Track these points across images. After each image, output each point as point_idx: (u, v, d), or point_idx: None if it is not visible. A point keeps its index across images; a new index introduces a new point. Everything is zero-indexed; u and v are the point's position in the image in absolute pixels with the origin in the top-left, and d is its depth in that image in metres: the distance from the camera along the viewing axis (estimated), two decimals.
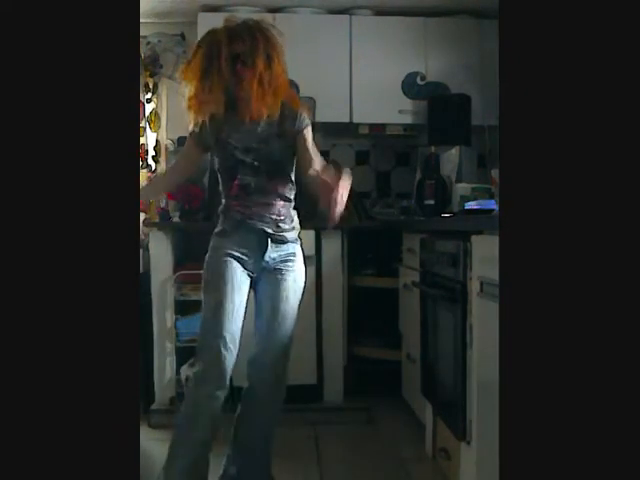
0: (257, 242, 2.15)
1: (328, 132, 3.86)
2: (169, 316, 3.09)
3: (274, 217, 2.16)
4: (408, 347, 3.01)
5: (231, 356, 2.09)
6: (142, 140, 3.81)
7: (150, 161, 3.83)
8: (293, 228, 2.21)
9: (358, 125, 3.75)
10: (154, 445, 2.70)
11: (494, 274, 1.62)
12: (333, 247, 3.21)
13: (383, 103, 3.66)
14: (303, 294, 2.23)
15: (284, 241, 2.17)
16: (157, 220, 3.38)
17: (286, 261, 2.18)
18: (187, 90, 2.11)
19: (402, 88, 3.70)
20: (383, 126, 3.78)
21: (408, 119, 3.72)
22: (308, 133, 2.18)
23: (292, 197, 2.22)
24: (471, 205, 2.59)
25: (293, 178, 2.21)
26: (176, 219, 3.36)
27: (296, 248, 2.21)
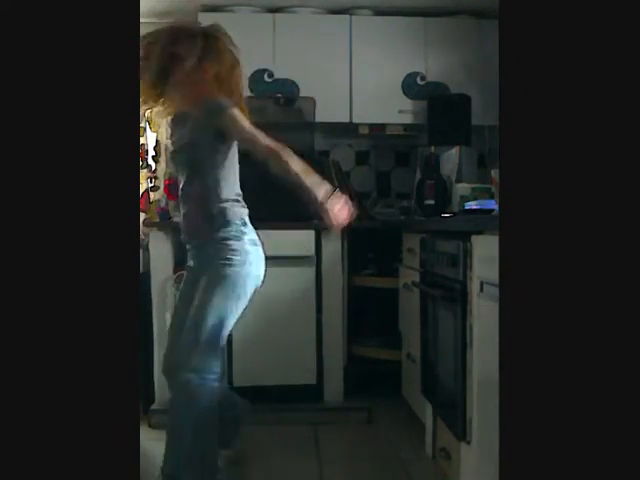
0: (188, 255, 2.24)
1: (328, 132, 3.87)
2: (169, 316, 3.08)
3: (195, 224, 2.16)
4: (408, 347, 3.01)
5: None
6: (142, 140, 3.81)
7: (150, 161, 3.83)
8: (216, 228, 2.11)
9: (358, 125, 3.76)
10: (154, 445, 2.69)
11: (494, 274, 1.62)
12: (333, 247, 3.21)
13: (383, 103, 3.67)
14: (240, 296, 2.11)
15: (207, 247, 2.13)
16: (157, 220, 3.38)
17: (213, 261, 2.10)
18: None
19: (402, 88, 3.71)
20: (383, 126, 3.78)
21: (408, 119, 3.72)
22: (233, 112, 2.04)
23: (218, 193, 2.12)
24: (471, 205, 2.59)
25: (220, 176, 2.13)
26: (176, 219, 3.35)
27: (225, 249, 2.10)
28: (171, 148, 2.27)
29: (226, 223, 2.12)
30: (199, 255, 2.19)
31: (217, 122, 2.06)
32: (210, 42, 2.12)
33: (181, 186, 2.21)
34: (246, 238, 2.13)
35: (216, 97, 2.09)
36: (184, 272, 2.33)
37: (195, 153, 2.12)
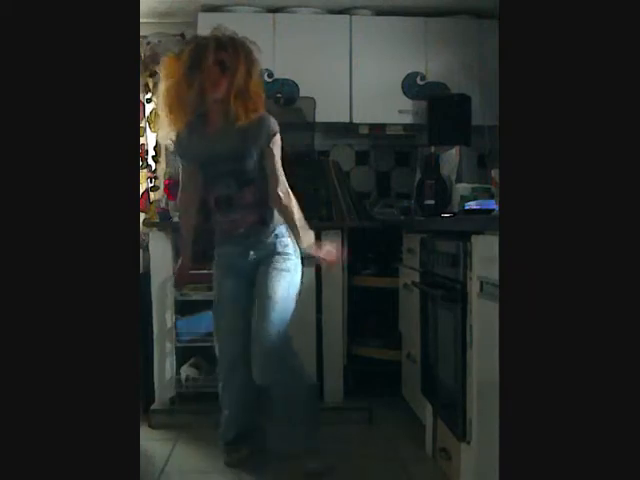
0: (241, 249, 2.35)
1: (328, 132, 3.87)
2: (169, 316, 3.09)
3: (251, 226, 2.32)
4: (408, 347, 3.01)
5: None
6: (142, 140, 3.81)
7: (150, 161, 3.83)
8: (271, 227, 2.33)
9: (358, 125, 3.75)
10: (154, 445, 2.70)
11: (494, 274, 1.62)
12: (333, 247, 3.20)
13: (383, 103, 3.66)
14: (298, 285, 2.36)
15: (265, 242, 2.32)
16: (157, 220, 3.38)
17: (270, 255, 2.32)
18: (162, 86, 2.26)
19: (402, 88, 3.70)
20: (383, 126, 3.78)
21: (408, 119, 3.72)
22: (275, 148, 2.28)
23: (265, 201, 2.32)
24: (471, 205, 2.59)
25: (264, 182, 2.30)
26: (176, 219, 3.35)
27: (278, 244, 2.33)
28: (201, 155, 2.33)
29: (276, 223, 2.33)
30: (257, 252, 2.34)
31: (266, 141, 2.25)
32: (252, 56, 2.25)
33: (221, 196, 2.32)
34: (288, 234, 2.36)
35: (269, 116, 2.28)
36: (215, 270, 2.46)
37: (246, 163, 2.27)
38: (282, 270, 2.31)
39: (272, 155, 2.28)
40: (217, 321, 2.47)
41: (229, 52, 2.20)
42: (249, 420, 2.52)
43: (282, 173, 2.29)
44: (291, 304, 2.33)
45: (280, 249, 2.32)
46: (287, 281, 2.31)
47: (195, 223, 2.49)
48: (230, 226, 2.35)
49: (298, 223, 2.30)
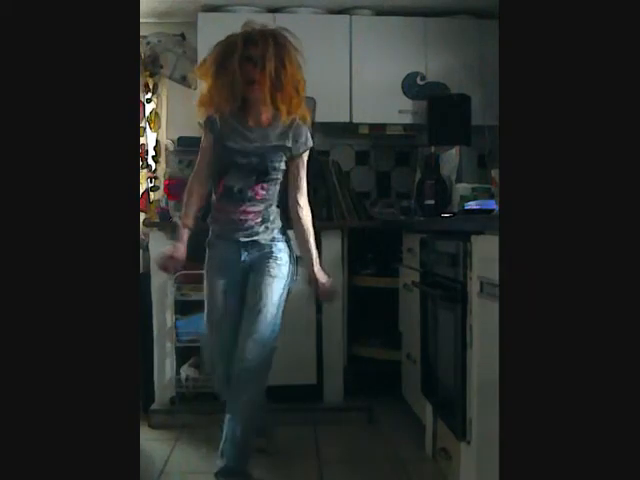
0: (234, 251, 2.28)
1: (328, 132, 3.87)
2: (169, 316, 3.09)
3: (251, 224, 2.26)
4: (408, 347, 3.01)
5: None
6: (142, 140, 3.81)
7: (150, 161, 3.83)
8: (270, 229, 2.28)
9: (358, 125, 3.75)
10: (154, 445, 2.70)
11: (494, 274, 1.62)
12: (333, 247, 3.21)
13: (383, 103, 3.66)
14: (288, 290, 2.31)
15: (260, 244, 2.27)
16: (157, 220, 3.38)
17: (264, 259, 2.28)
18: (200, 87, 2.25)
19: (402, 88, 3.70)
20: (383, 126, 3.78)
21: (408, 119, 3.72)
22: (305, 158, 2.28)
23: (274, 199, 2.29)
24: (471, 205, 2.59)
25: (279, 183, 2.28)
26: (176, 219, 3.35)
27: (274, 247, 2.29)
28: (231, 147, 2.24)
29: (275, 227, 2.30)
30: (250, 253, 2.28)
31: (292, 153, 2.25)
32: (287, 47, 2.16)
33: (234, 187, 2.24)
34: (286, 238, 2.33)
35: (308, 129, 2.27)
36: (206, 272, 2.37)
37: (272, 163, 2.23)
38: (275, 277, 2.25)
39: (302, 164, 2.27)
40: (209, 328, 2.36)
41: (258, 45, 2.12)
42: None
43: (305, 184, 2.30)
44: (279, 315, 2.25)
45: (275, 253, 2.28)
46: (279, 290, 2.25)
47: (198, 207, 2.36)
48: (232, 215, 2.27)
49: (311, 239, 2.30)
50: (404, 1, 3.65)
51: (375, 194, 4.07)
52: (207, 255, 2.36)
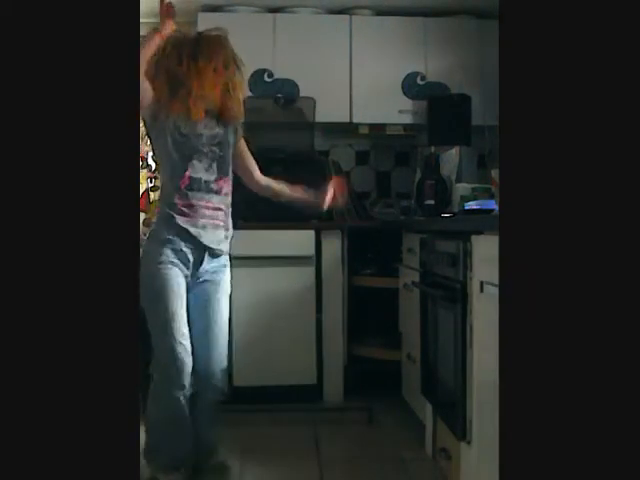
0: (196, 254, 2.20)
1: (328, 132, 3.87)
2: None
3: (216, 224, 2.23)
4: (408, 347, 3.01)
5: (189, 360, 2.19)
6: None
7: (150, 161, 3.83)
8: (227, 237, 2.28)
9: (358, 125, 3.75)
10: None
11: (494, 274, 1.62)
12: (333, 247, 3.21)
13: (383, 103, 3.66)
14: (230, 300, 2.34)
15: (219, 254, 2.26)
16: None
17: (217, 272, 2.27)
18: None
19: (402, 88, 3.71)
20: (383, 126, 3.78)
21: (408, 119, 3.72)
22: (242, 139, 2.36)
23: (230, 200, 2.29)
24: (471, 205, 2.59)
25: (231, 177, 2.30)
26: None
27: (227, 259, 2.30)
28: (183, 130, 2.20)
29: (230, 232, 2.30)
30: (210, 258, 2.24)
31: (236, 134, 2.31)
32: (229, 51, 2.22)
33: (196, 174, 2.19)
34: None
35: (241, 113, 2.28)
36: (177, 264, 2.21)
37: (225, 150, 2.26)
38: (226, 291, 2.30)
39: (243, 142, 2.35)
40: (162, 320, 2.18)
41: (202, 46, 2.19)
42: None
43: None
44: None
45: (225, 262, 2.28)
46: (227, 301, 2.32)
47: None
48: (198, 207, 2.18)
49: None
50: (404, 1, 3.65)
51: (375, 194, 4.07)
52: (149, 249, 2.19)
